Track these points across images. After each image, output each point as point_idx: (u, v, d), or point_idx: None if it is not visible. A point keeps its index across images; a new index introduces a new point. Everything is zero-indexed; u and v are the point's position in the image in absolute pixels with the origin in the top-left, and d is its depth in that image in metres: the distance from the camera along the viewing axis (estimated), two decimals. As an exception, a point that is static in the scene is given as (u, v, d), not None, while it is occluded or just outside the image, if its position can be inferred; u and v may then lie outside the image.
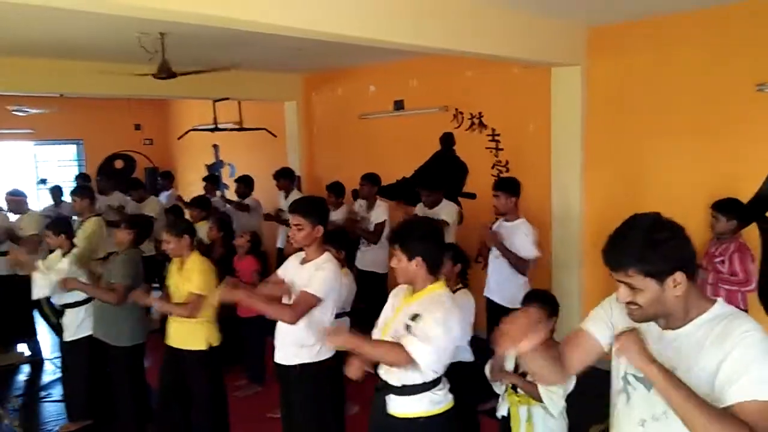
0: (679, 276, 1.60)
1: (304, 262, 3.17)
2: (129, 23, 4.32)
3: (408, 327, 2.41)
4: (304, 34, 3.52)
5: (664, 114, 4.75)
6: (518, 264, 4.34)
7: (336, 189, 6.27)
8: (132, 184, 7.61)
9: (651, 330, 1.72)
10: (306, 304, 2.97)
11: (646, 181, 4.87)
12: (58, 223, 4.50)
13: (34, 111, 9.03)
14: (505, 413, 3.02)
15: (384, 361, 2.48)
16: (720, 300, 1.69)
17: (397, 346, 2.38)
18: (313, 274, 3.04)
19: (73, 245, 4.37)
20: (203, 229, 5.57)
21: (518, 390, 2.94)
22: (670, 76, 4.70)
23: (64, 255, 4.31)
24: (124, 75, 5.84)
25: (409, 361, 2.35)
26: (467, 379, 3.28)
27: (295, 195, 6.91)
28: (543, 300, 3.16)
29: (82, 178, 8.91)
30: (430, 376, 2.44)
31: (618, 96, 5.01)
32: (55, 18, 4.28)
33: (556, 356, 1.85)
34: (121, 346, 4.06)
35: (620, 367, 1.81)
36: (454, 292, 3.44)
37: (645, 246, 1.60)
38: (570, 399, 2.86)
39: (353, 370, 2.55)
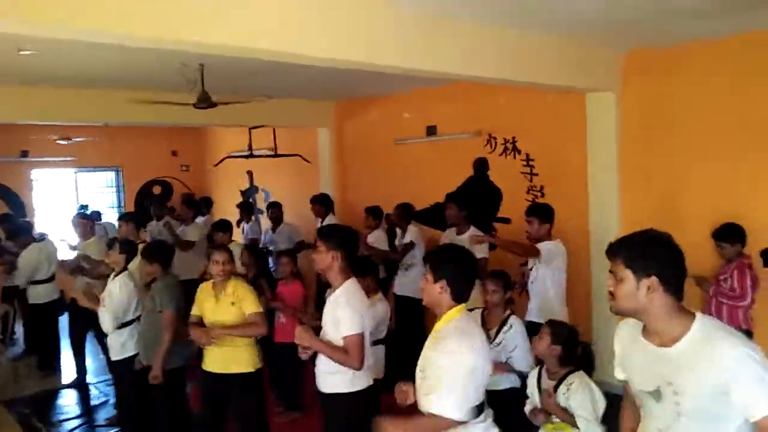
0: (654, 281, 1.82)
1: (330, 292, 3.23)
2: (170, 55, 4.47)
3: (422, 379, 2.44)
4: (336, 64, 3.61)
5: (700, 137, 4.73)
6: (521, 246, 4.57)
7: (374, 212, 6.35)
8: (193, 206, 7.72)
9: (648, 348, 1.91)
10: (356, 346, 3.01)
11: (683, 204, 4.83)
12: (127, 243, 4.63)
13: (77, 139, 9.35)
14: None
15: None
16: (698, 314, 1.87)
17: (430, 418, 2.36)
18: (334, 314, 3.07)
19: (125, 268, 4.47)
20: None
21: (553, 418, 2.94)
22: (704, 100, 4.69)
23: (116, 275, 4.44)
24: (165, 104, 6.04)
25: (448, 422, 2.34)
26: (517, 405, 3.25)
27: (330, 220, 6.98)
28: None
29: (83, 208, 9.06)
30: (463, 414, 2.37)
31: (653, 120, 5.00)
32: (101, 51, 4.46)
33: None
34: (166, 368, 4.08)
35: (633, 386, 2.01)
36: (505, 320, 3.50)
37: (637, 244, 1.90)
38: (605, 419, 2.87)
39: (401, 396, 2.57)
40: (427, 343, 2.50)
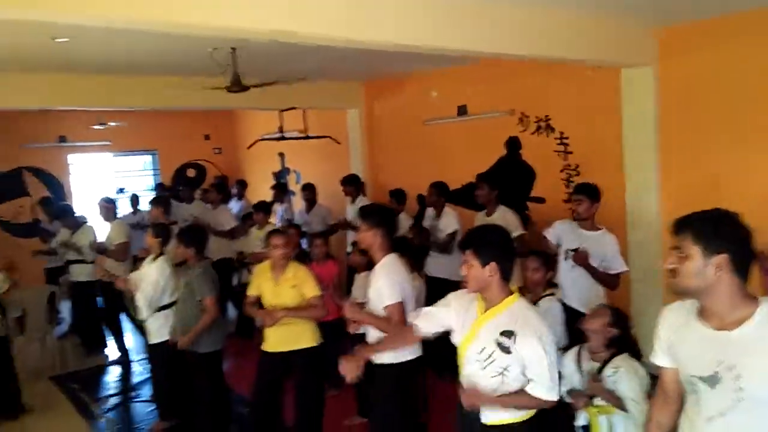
0: (724, 259, 1.76)
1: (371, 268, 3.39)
2: (202, 40, 4.51)
3: (500, 344, 2.43)
4: (367, 45, 3.60)
5: (742, 113, 4.59)
6: (608, 280, 4.20)
7: (397, 195, 6.34)
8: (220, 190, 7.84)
9: (704, 331, 1.86)
10: (397, 313, 3.17)
11: (725, 182, 4.70)
12: (160, 227, 4.74)
13: (113, 124, 9.54)
14: (584, 423, 3.01)
15: (525, 408, 2.52)
16: (762, 298, 1.82)
17: (527, 396, 2.44)
18: (376, 286, 3.24)
19: (162, 252, 4.57)
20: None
21: (595, 401, 2.92)
22: (747, 75, 4.54)
23: (154, 259, 4.55)
24: (198, 88, 6.11)
25: (542, 404, 2.46)
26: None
27: (361, 201, 7.03)
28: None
29: (160, 188, 9.35)
30: (516, 387, 2.46)
31: (693, 96, 4.87)
32: (134, 37, 4.52)
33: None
34: (199, 352, 4.23)
35: (684, 372, 1.94)
36: (539, 299, 3.51)
37: (708, 221, 1.83)
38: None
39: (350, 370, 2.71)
40: (490, 327, 2.49)
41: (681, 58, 4.87)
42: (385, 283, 3.19)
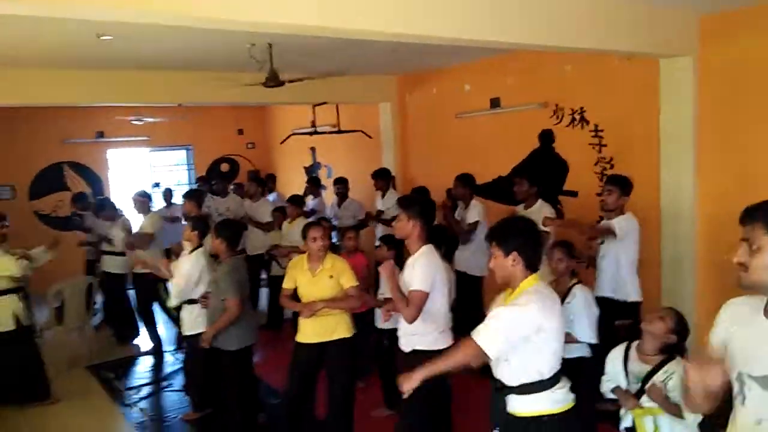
0: None
1: (408, 258, 3.37)
2: (239, 35, 4.56)
3: None
4: (399, 38, 3.56)
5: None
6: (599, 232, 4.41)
7: (420, 193, 6.21)
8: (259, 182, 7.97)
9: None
10: (417, 301, 3.18)
11: (765, 175, 4.54)
12: (198, 219, 4.84)
13: (149, 120, 9.74)
14: (629, 425, 2.92)
15: (460, 363, 2.50)
16: None
17: (466, 342, 2.44)
18: (411, 271, 3.26)
19: (201, 244, 4.62)
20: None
21: (642, 402, 2.84)
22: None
23: (191, 251, 4.60)
24: (235, 84, 6.19)
25: (478, 349, 2.40)
26: (588, 376, 3.22)
27: (391, 194, 7.03)
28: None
29: (201, 181, 9.50)
30: (546, 375, 2.45)
31: (734, 87, 4.69)
32: (175, 34, 4.60)
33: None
34: (229, 350, 4.24)
35: (734, 368, 1.81)
36: (569, 288, 3.49)
37: None
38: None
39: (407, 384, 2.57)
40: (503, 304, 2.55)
41: (722, 48, 4.70)
42: (422, 271, 3.22)
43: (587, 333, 3.50)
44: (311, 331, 3.99)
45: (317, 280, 3.93)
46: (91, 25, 4.01)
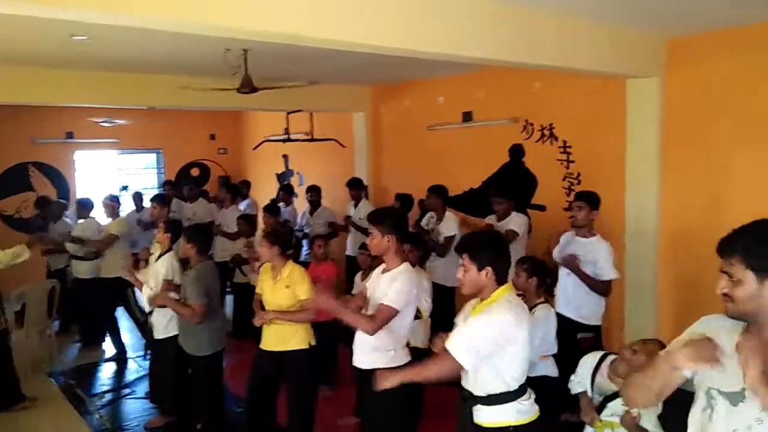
0: None
1: (384, 271, 3.28)
2: (214, 40, 4.54)
3: None
4: (375, 50, 3.60)
5: (747, 126, 4.57)
6: (597, 287, 4.27)
7: (404, 199, 6.35)
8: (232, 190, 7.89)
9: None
10: (384, 316, 3.09)
11: (727, 197, 4.69)
12: (172, 223, 4.81)
13: (119, 122, 9.60)
14: None
15: (437, 374, 2.54)
16: None
17: (442, 354, 2.49)
18: (389, 285, 3.14)
19: (170, 248, 4.60)
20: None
21: (602, 416, 2.89)
22: (752, 87, 4.53)
23: (161, 254, 4.58)
24: (208, 89, 6.16)
25: (453, 360, 2.44)
26: (552, 394, 3.28)
27: (364, 204, 7.06)
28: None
29: (168, 185, 9.38)
30: (513, 386, 2.49)
31: (697, 108, 4.87)
32: (149, 37, 4.56)
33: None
34: (201, 355, 4.24)
35: (703, 383, 1.82)
36: (532, 307, 3.47)
37: (754, 240, 1.67)
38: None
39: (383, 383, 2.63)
40: (469, 317, 2.57)
41: (688, 70, 4.87)
42: (399, 289, 3.10)
43: (546, 348, 3.54)
44: (270, 339, 4.00)
45: (276, 288, 3.96)
46: (65, 24, 3.96)
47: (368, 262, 4.67)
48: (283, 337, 3.96)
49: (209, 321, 4.17)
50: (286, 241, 4.04)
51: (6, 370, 5.03)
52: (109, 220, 6.43)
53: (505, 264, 2.61)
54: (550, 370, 3.55)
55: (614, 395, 2.86)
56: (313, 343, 4.04)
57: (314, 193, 7.47)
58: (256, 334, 4.18)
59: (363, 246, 4.74)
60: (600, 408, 2.91)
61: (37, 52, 5.16)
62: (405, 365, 3.26)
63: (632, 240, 5.15)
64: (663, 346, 2.88)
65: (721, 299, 1.74)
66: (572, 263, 4.27)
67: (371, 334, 3.10)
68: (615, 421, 2.85)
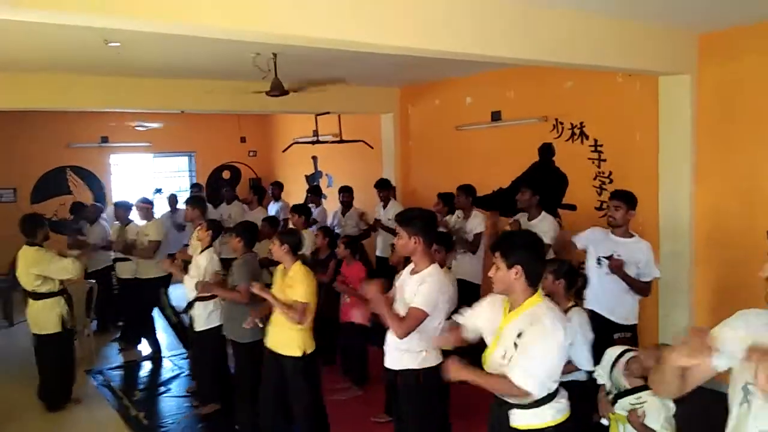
0: None
1: (413, 272, 3.27)
2: (244, 45, 4.63)
3: (516, 345, 2.47)
4: (409, 52, 3.64)
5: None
6: (642, 288, 4.23)
7: (446, 198, 6.27)
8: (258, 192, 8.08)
9: None
10: (414, 320, 3.08)
11: (762, 195, 4.60)
12: (213, 222, 5.05)
13: (152, 126, 9.81)
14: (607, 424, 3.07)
15: (498, 393, 2.54)
16: None
17: (505, 380, 2.44)
18: (417, 288, 3.13)
19: (211, 245, 4.82)
20: (309, 238, 5.85)
21: (615, 409, 2.96)
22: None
23: (203, 250, 4.78)
24: (239, 92, 6.26)
25: (521, 392, 2.43)
26: (583, 396, 3.25)
27: (393, 205, 7.09)
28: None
29: (196, 187, 9.56)
30: (552, 388, 2.49)
31: (731, 105, 4.79)
32: (181, 42, 4.67)
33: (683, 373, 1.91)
34: (243, 342, 4.36)
35: (740, 378, 1.82)
36: (566, 311, 3.42)
37: None
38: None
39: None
40: (510, 329, 2.53)
41: (720, 66, 4.79)
42: (429, 291, 3.09)
43: (583, 358, 3.50)
44: (270, 338, 4.04)
45: (283, 285, 3.98)
46: (100, 31, 4.08)
47: (400, 261, 4.65)
48: (280, 340, 3.98)
49: (253, 306, 4.25)
50: (296, 241, 4.06)
51: (68, 371, 5.23)
52: (143, 222, 6.56)
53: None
54: (580, 374, 3.51)
55: (626, 392, 2.91)
56: (309, 351, 3.96)
57: (346, 193, 7.50)
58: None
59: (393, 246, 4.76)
60: (613, 402, 2.96)
61: (73, 59, 5.33)
62: (438, 366, 3.28)
63: (667, 239, 5.08)
64: None
65: (766, 285, 1.75)
66: (619, 269, 4.14)
67: (401, 338, 3.10)
68: (624, 416, 2.91)
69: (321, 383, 4.20)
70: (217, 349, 4.68)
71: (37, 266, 4.88)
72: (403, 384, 3.28)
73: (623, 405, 2.92)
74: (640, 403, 2.85)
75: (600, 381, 3.10)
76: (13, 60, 5.25)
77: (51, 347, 5.02)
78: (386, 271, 5.34)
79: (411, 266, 3.32)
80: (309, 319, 3.93)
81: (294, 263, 4.01)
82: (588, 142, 5.90)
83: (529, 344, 2.42)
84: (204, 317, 4.72)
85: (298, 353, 3.91)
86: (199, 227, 4.98)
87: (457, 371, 2.57)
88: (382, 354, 3.41)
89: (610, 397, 2.99)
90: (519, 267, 2.49)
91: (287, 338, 3.93)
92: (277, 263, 4.20)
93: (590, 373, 3.46)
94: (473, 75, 7.02)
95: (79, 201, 8.73)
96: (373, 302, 3.22)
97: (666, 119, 5.07)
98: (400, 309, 3.21)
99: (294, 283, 3.91)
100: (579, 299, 3.73)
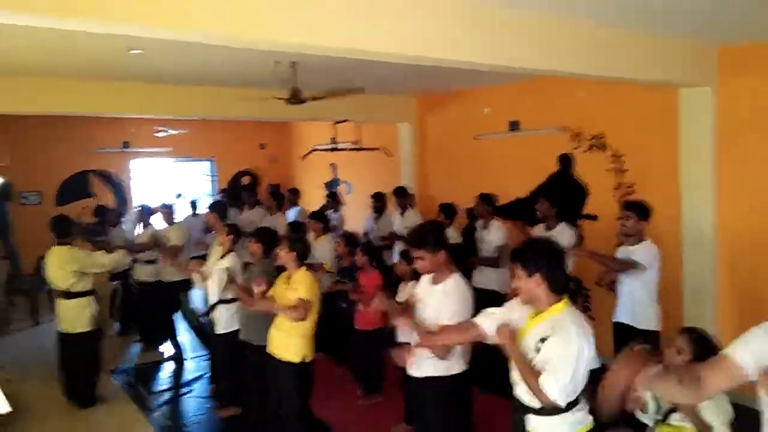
0: None
1: (434, 282, 3.29)
2: (264, 53, 4.70)
3: (539, 350, 2.49)
4: (421, 62, 3.66)
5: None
6: (612, 264, 4.46)
7: (447, 209, 6.24)
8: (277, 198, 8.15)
9: None
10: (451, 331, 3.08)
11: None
12: (231, 226, 5.10)
13: (174, 132, 9.96)
14: None
15: (527, 384, 2.55)
16: None
17: (536, 379, 2.47)
18: (442, 301, 3.15)
19: (232, 250, 4.90)
20: (327, 244, 5.90)
21: (669, 421, 2.84)
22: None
23: (224, 255, 4.84)
24: (257, 99, 6.34)
25: (545, 399, 2.46)
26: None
27: (409, 213, 7.10)
28: None
29: (224, 193, 9.65)
30: (571, 397, 2.49)
31: (753, 117, 4.78)
32: (202, 50, 4.72)
33: (686, 378, 1.93)
34: (260, 345, 4.32)
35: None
36: None
37: None
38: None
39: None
40: (533, 333, 2.56)
41: (742, 79, 4.79)
42: (453, 305, 3.13)
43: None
44: (270, 341, 4.07)
45: (288, 290, 4.00)
46: (123, 39, 4.16)
47: (405, 271, 4.66)
48: (280, 344, 4.01)
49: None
50: (304, 249, 4.11)
51: (95, 370, 5.35)
52: (165, 225, 6.67)
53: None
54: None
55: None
56: (309, 359, 3.99)
57: (379, 200, 7.44)
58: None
59: (404, 254, 4.72)
60: (664, 419, 2.85)
61: (96, 65, 5.43)
62: (462, 373, 3.29)
63: (690, 248, 5.08)
64: (688, 337, 2.91)
65: None
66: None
67: (443, 358, 3.14)
68: (686, 426, 2.80)
69: (310, 394, 4.15)
70: (236, 353, 4.73)
71: (75, 263, 5.02)
72: (429, 392, 3.30)
73: (697, 413, 2.78)
74: None
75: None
76: (40, 66, 5.38)
77: (80, 346, 5.14)
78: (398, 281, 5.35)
79: (429, 277, 3.33)
80: (311, 320, 3.94)
81: (299, 269, 4.04)
82: (608, 152, 5.88)
83: (555, 355, 2.44)
84: (224, 320, 4.79)
85: (296, 360, 3.94)
86: (219, 232, 5.07)
87: (505, 338, 2.59)
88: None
89: (659, 416, 2.87)
90: (538, 275, 2.51)
91: (288, 344, 3.96)
92: None
93: None
94: (491, 85, 7.04)
95: (102, 204, 8.88)
96: (403, 324, 3.23)
97: (687, 131, 5.07)
98: (426, 318, 3.22)
99: (297, 286, 3.95)
100: (583, 311, 3.74)
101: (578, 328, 2.48)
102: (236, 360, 4.77)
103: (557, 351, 2.44)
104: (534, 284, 2.51)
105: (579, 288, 5.49)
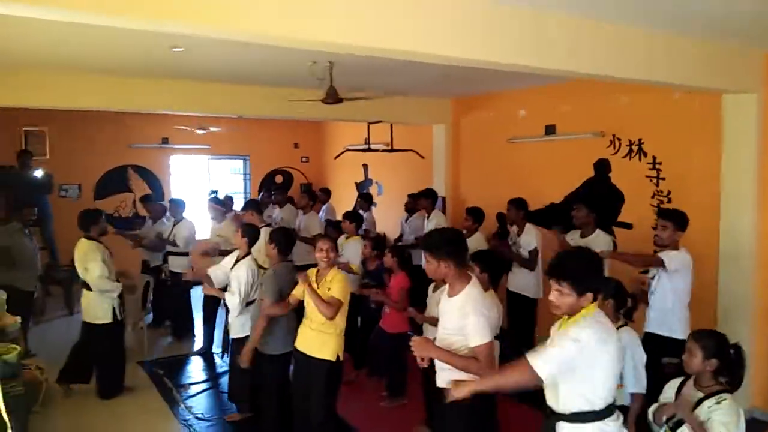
0: None
1: (450, 294, 3.12)
2: (302, 53, 4.73)
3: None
4: (458, 63, 3.62)
5: None
6: (636, 260, 4.52)
7: (475, 213, 6.14)
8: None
9: None
10: (488, 355, 2.92)
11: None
12: (249, 228, 4.85)
13: (213, 129, 10.11)
14: None
15: (512, 382, 2.54)
16: None
17: (520, 362, 2.46)
18: (461, 317, 2.98)
19: (249, 252, 4.75)
20: (358, 245, 5.88)
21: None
22: None
23: (238, 259, 4.72)
24: (293, 99, 6.38)
25: (530, 370, 2.41)
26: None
27: (435, 215, 7.04)
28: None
29: (266, 192, 9.76)
30: (598, 405, 2.44)
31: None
32: (241, 49, 4.79)
33: None
34: (268, 354, 4.33)
35: None
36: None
37: None
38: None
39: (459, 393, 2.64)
40: (560, 330, 2.55)
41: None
42: (474, 323, 2.91)
43: (631, 380, 3.40)
44: (302, 340, 4.07)
45: (319, 291, 3.96)
46: (166, 37, 4.24)
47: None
48: (314, 342, 4.00)
49: (283, 321, 4.26)
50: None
51: (119, 360, 5.44)
52: (213, 221, 6.76)
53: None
54: (627, 399, 3.41)
55: (700, 401, 2.83)
56: (341, 358, 4.00)
57: (411, 200, 7.46)
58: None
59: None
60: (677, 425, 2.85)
61: (138, 63, 5.54)
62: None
63: (728, 262, 4.91)
64: (708, 340, 2.93)
65: None
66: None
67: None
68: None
69: (338, 392, 4.16)
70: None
71: (84, 258, 5.13)
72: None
73: (702, 411, 2.81)
74: (718, 402, 2.78)
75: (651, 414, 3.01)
76: (85, 63, 5.51)
77: (102, 337, 5.23)
78: (428, 282, 5.31)
79: (447, 288, 3.19)
80: (342, 320, 3.96)
81: (332, 268, 4.04)
82: (646, 159, 5.74)
83: (557, 339, 2.45)
84: (238, 325, 4.68)
85: (332, 357, 3.95)
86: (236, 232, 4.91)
87: (459, 389, 2.61)
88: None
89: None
90: (590, 294, 2.48)
91: (323, 342, 3.96)
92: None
93: (635, 395, 3.38)
94: (526, 88, 6.94)
95: (149, 194, 9.07)
96: (439, 358, 3.07)
97: (730, 138, 4.90)
98: (444, 335, 3.11)
99: (333, 283, 3.95)
100: (629, 320, 3.65)
101: (596, 327, 2.43)
102: (249, 364, 4.57)
103: (561, 336, 2.45)
104: (583, 302, 2.47)
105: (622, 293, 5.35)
